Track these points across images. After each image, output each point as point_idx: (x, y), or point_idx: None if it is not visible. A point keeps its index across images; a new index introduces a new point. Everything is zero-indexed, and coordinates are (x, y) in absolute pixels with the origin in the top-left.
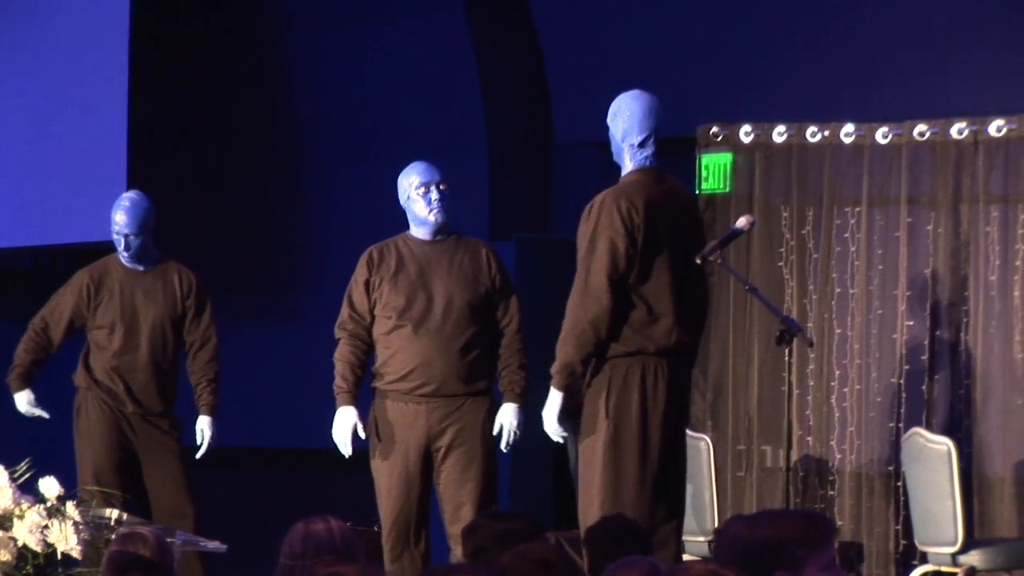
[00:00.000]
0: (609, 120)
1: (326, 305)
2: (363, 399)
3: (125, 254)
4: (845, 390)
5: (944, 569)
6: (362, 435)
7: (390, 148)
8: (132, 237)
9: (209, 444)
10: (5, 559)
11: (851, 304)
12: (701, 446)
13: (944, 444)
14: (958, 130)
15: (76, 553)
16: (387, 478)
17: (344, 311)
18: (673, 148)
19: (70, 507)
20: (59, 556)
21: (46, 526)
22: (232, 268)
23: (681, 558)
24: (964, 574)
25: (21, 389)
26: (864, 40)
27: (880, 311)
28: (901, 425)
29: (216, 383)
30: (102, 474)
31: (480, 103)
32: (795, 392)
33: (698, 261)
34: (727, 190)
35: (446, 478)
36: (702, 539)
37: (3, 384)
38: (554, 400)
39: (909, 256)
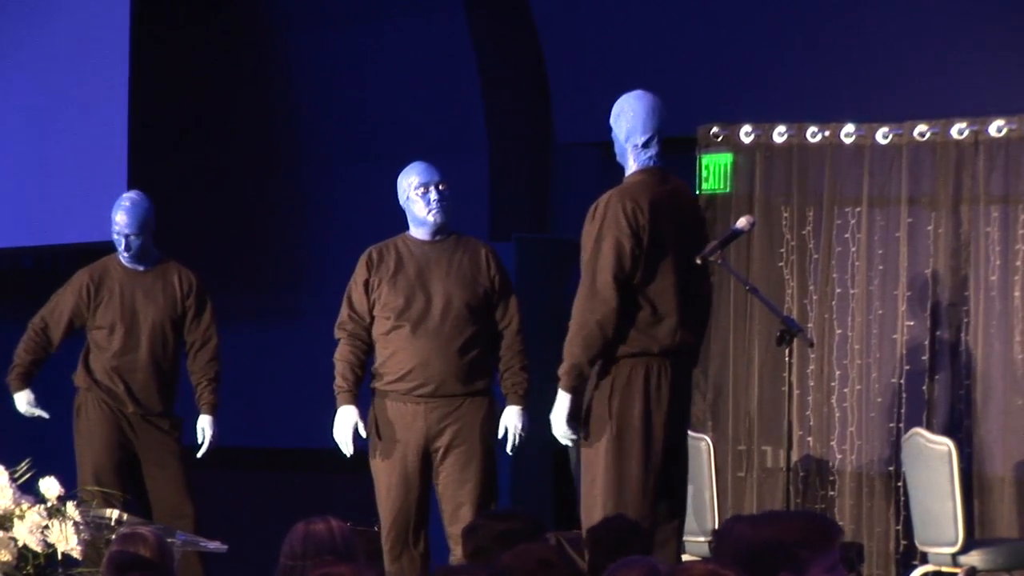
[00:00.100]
0: (612, 121)
1: (326, 305)
2: (363, 399)
3: (125, 254)
4: (845, 390)
5: (944, 569)
6: (363, 434)
7: (390, 148)
8: (133, 237)
9: (210, 443)
10: (5, 559)
11: (851, 304)
12: (701, 446)
13: (944, 444)
14: (958, 130)
15: (76, 553)
16: (386, 478)
17: (344, 311)
18: (673, 148)
19: (70, 507)
20: (59, 556)
21: (46, 526)
22: (232, 268)
23: (681, 558)
24: (964, 574)
25: (21, 389)
26: (864, 40)
27: (880, 311)
28: (901, 425)
29: (217, 382)
30: (102, 474)
31: (480, 103)
32: (795, 392)
33: (698, 261)
34: (727, 190)
35: (445, 478)
36: (702, 539)
37: (3, 384)
38: (563, 403)
39: (909, 256)
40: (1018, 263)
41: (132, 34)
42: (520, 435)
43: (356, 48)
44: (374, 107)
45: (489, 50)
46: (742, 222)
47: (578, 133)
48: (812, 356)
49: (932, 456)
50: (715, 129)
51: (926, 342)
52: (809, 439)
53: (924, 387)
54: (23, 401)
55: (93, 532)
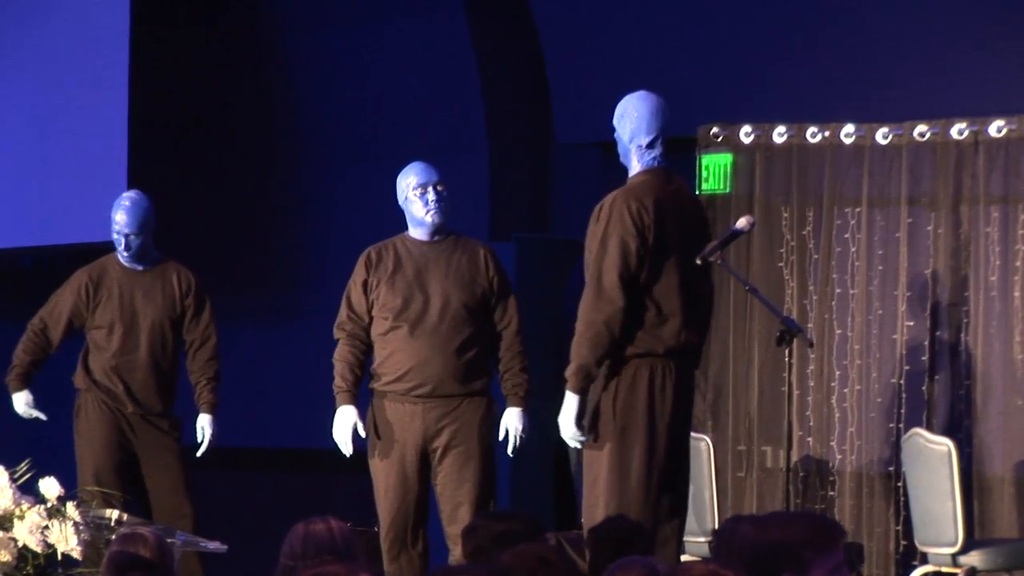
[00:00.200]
0: (616, 121)
1: (326, 305)
2: (363, 399)
3: (125, 254)
4: (845, 391)
5: (944, 570)
6: (362, 434)
7: (390, 148)
8: (132, 237)
9: (210, 442)
10: (5, 559)
11: (851, 304)
12: (701, 446)
13: (944, 444)
14: (958, 131)
15: (76, 553)
16: (384, 478)
17: (343, 311)
18: (673, 148)
19: (70, 508)
20: (59, 556)
21: (46, 527)
22: (232, 268)
23: (680, 558)
24: (964, 574)
25: (20, 389)
26: (864, 41)
27: (880, 311)
28: (901, 426)
29: (216, 381)
30: (102, 475)
31: (480, 103)
32: (795, 393)
33: (698, 262)
34: (727, 191)
35: (443, 478)
36: (702, 539)
37: (2, 384)
38: (571, 404)
39: (909, 256)
40: (1018, 263)
41: (132, 34)
42: (521, 436)
43: (356, 48)
44: (374, 107)
45: (489, 50)
46: (742, 222)
47: (578, 133)
48: (812, 356)
49: (932, 456)
50: (715, 129)
51: (926, 342)
52: (809, 439)
53: (924, 387)
54: (21, 402)
55: (93, 532)
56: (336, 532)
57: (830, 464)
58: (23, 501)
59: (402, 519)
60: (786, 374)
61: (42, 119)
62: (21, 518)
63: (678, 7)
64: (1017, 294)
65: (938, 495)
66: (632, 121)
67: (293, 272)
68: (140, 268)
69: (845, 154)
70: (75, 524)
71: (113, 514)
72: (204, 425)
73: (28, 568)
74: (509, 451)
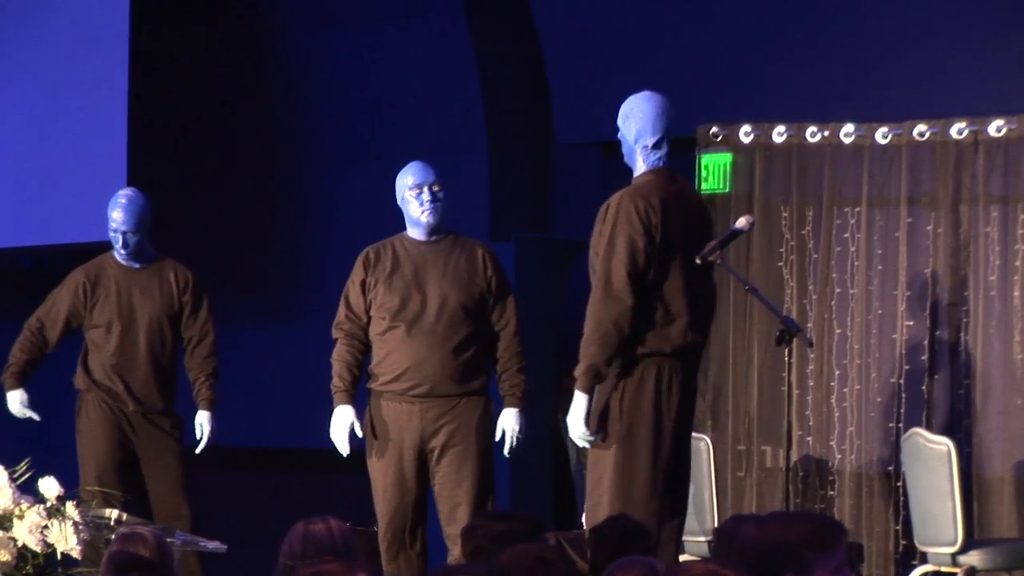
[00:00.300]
0: (620, 122)
1: (326, 305)
2: (361, 399)
3: (123, 252)
4: (845, 390)
5: (944, 569)
6: (359, 434)
7: (390, 148)
8: (130, 234)
9: (208, 439)
10: (5, 559)
11: (851, 304)
12: (701, 446)
13: (944, 444)
14: (958, 130)
15: (76, 553)
16: (382, 478)
17: (341, 311)
18: (673, 148)
19: (70, 507)
20: (59, 556)
21: (46, 526)
22: (232, 268)
23: (679, 557)
24: (964, 574)
25: (15, 388)
26: (864, 40)
27: (880, 311)
28: (901, 425)
29: (215, 378)
30: (104, 475)
31: (480, 103)
32: (795, 392)
33: (698, 261)
34: (727, 190)
35: (442, 478)
36: (702, 539)
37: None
38: (581, 403)
39: (909, 256)
40: (1017, 263)
41: (132, 34)
42: (517, 437)
43: (356, 48)
44: (374, 107)
45: (489, 50)
46: (741, 222)
47: (578, 133)
48: (811, 356)
49: (931, 456)
50: (714, 129)
51: (925, 342)
52: (808, 439)
53: (923, 387)
54: (16, 401)
55: (92, 532)
56: (336, 532)
57: (830, 464)
58: (23, 501)
59: (400, 519)
60: (786, 374)
61: (42, 119)
62: (21, 518)
63: (678, 7)
64: (1017, 294)
65: (938, 495)
66: (638, 122)
67: (293, 272)
68: (137, 266)
69: (845, 154)
70: (74, 524)
71: (113, 514)
72: (203, 422)
73: (28, 568)
74: (505, 452)
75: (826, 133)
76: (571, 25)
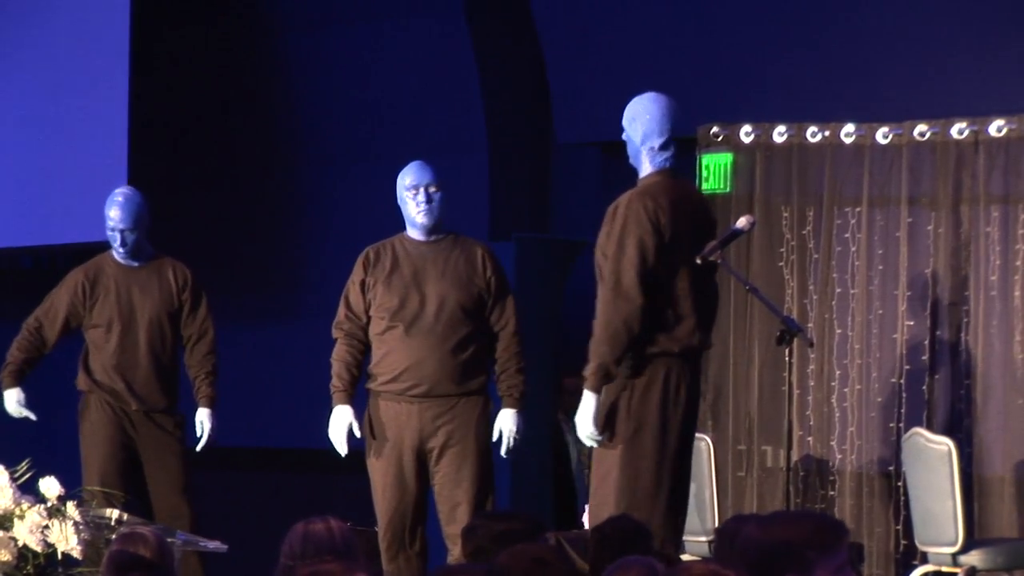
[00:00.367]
0: (627, 123)
1: (326, 305)
2: (360, 398)
3: (121, 250)
4: (845, 390)
5: (944, 569)
6: (357, 434)
7: (390, 148)
8: (127, 232)
9: (209, 437)
10: (5, 559)
11: (851, 304)
12: (701, 446)
13: (944, 444)
14: (958, 130)
15: (76, 553)
16: (382, 478)
17: (340, 311)
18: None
19: (70, 507)
20: (59, 556)
21: (46, 526)
22: (232, 268)
23: (680, 557)
24: (964, 574)
25: (12, 386)
26: (864, 40)
27: (880, 311)
28: (901, 425)
29: (215, 376)
30: (107, 477)
31: (480, 103)
32: (795, 392)
33: (698, 261)
34: (727, 190)
35: (441, 478)
36: (702, 539)
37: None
38: (590, 403)
39: (909, 256)
40: (1018, 263)
41: (132, 34)
42: (514, 438)
43: (356, 48)
44: (374, 107)
45: (489, 50)
46: (742, 222)
47: (578, 133)
48: (812, 356)
49: (932, 456)
50: (715, 129)
51: (926, 342)
52: (809, 439)
53: (924, 387)
54: (12, 399)
55: (93, 532)
56: (336, 532)
57: (830, 464)
58: (23, 501)
59: (399, 519)
60: (786, 374)
61: (42, 119)
62: (21, 518)
63: (678, 7)
64: (1017, 294)
65: (938, 494)
66: (644, 124)
67: (293, 272)
68: (136, 265)
69: (845, 154)
70: (75, 524)
71: (113, 514)
72: (203, 419)
73: (28, 567)
74: (502, 452)
75: (827, 133)
76: (571, 25)
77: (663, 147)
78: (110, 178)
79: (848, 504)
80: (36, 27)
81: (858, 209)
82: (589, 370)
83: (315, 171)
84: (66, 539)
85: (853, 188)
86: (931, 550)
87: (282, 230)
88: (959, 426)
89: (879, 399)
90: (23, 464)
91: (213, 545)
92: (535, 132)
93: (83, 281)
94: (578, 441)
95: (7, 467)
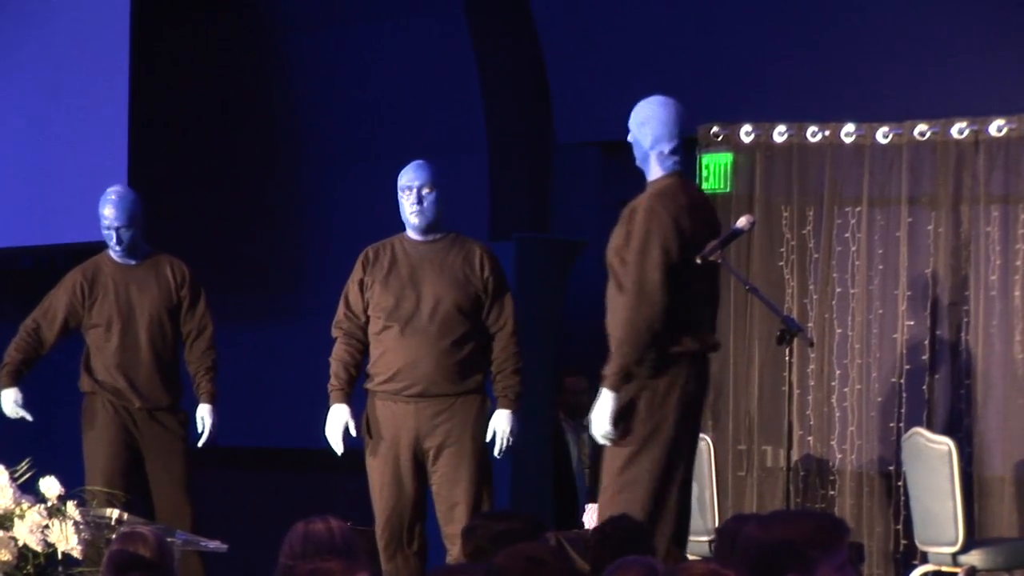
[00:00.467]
0: (636, 126)
1: (326, 305)
2: (359, 398)
3: (117, 248)
4: (846, 390)
5: (944, 569)
6: (353, 433)
7: (390, 148)
8: (123, 230)
9: (210, 432)
10: (6, 559)
11: (852, 304)
12: (702, 446)
13: (944, 444)
14: (959, 130)
15: (77, 553)
16: (380, 477)
17: (340, 310)
18: None
19: (70, 507)
20: (60, 556)
21: (47, 526)
22: (232, 268)
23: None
24: (965, 574)
25: (9, 386)
26: (865, 40)
27: (881, 311)
28: (902, 425)
29: (214, 371)
30: (110, 477)
31: (480, 103)
32: (796, 392)
33: (698, 261)
34: (727, 190)
35: (439, 478)
36: (703, 539)
37: None
38: (609, 403)
39: (910, 256)
40: (1018, 263)
41: (132, 34)
42: (508, 439)
43: (356, 48)
44: (374, 107)
45: (489, 50)
46: (742, 222)
47: (578, 133)
48: (812, 356)
49: (932, 456)
50: (715, 129)
51: (926, 341)
52: (809, 439)
53: (924, 387)
54: (9, 399)
55: (93, 531)
56: (336, 531)
57: (830, 463)
58: (23, 500)
59: (397, 518)
60: (786, 373)
61: (43, 119)
62: (21, 517)
63: (678, 7)
64: (1017, 293)
65: (938, 494)
66: (655, 128)
67: (293, 272)
68: (133, 263)
69: (845, 153)
70: (75, 523)
71: (113, 513)
72: (204, 415)
73: (28, 567)
74: (496, 453)
75: (827, 133)
76: (571, 25)
77: (673, 151)
78: (110, 178)
79: (848, 504)
80: (36, 27)
81: (858, 209)
82: (611, 369)
83: (315, 171)
84: (66, 539)
85: (853, 188)
86: (931, 550)
87: (282, 230)
88: (959, 426)
89: (879, 399)
90: (23, 464)
91: (213, 545)
92: (535, 132)
93: (81, 281)
94: (578, 440)
95: (7, 467)
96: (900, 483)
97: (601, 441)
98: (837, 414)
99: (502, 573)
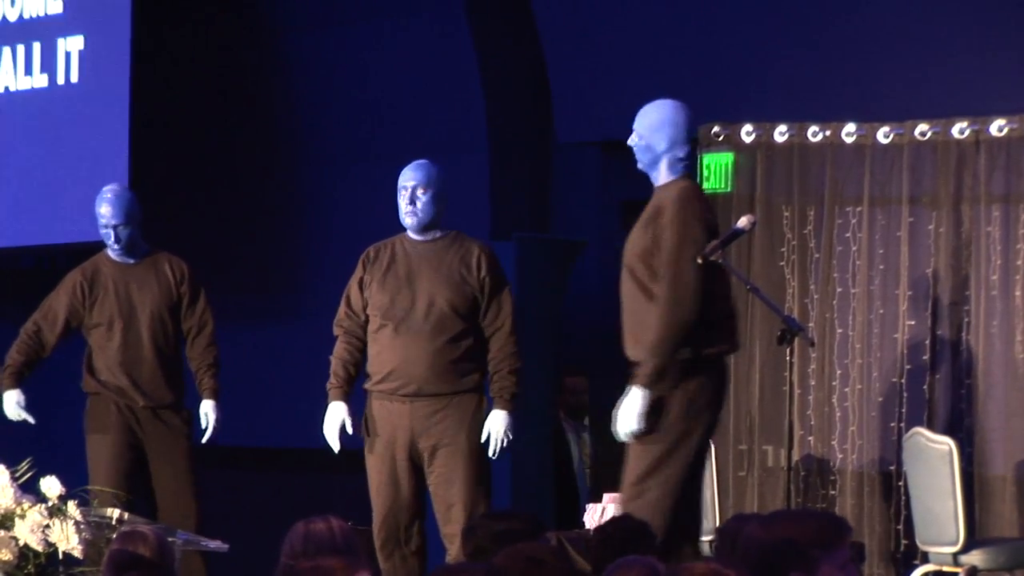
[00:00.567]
0: (650, 130)
1: (326, 305)
2: (358, 396)
3: (116, 247)
4: (846, 390)
5: (945, 569)
6: (349, 431)
7: (390, 148)
8: (121, 228)
9: (214, 428)
10: (7, 558)
11: (852, 304)
12: None
13: (945, 444)
14: (959, 130)
15: (77, 552)
16: (377, 476)
17: (341, 308)
18: None
19: (71, 507)
20: (60, 555)
21: (47, 525)
22: (232, 268)
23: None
24: (965, 574)
25: (12, 388)
26: (865, 40)
27: (881, 311)
28: (902, 425)
29: (217, 367)
30: (114, 477)
31: (481, 103)
32: (796, 392)
33: (699, 261)
34: (728, 190)
35: (435, 479)
36: (704, 538)
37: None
38: (642, 400)
39: (910, 256)
40: (1019, 262)
41: (133, 34)
42: (503, 440)
43: (356, 48)
44: (374, 107)
45: (490, 49)
46: (743, 222)
47: (579, 133)
48: (813, 355)
49: (933, 455)
50: (716, 128)
51: (927, 341)
52: (810, 438)
53: (925, 386)
54: (12, 401)
55: (94, 531)
56: (337, 531)
57: (831, 463)
58: (24, 500)
59: (393, 518)
60: (787, 373)
61: (44, 118)
62: (22, 517)
63: (679, 7)
64: (1018, 293)
65: (939, 494)
66: (672, 132)
67: (293, 272)
68: (132, 261)
69: (846, 153)
70: (76, 523)
71: (114, 513)
72: (208, 411)
73: (29, 567)
74: (491, 454)
75: (828, 132)
76: (572, 24)
77: (687, 154)
78: (111, 178)
79: (849, 504)
80: (36, 27)
81: (859, 209)
82: (647, 369)
83: (315, 171)
84: (67, 538)
85: (854, 188)
86: (932, 550)
87: (282, 230)
88: (960, 425)
89: (880, 399)
90: (24, 464)
91: (214, 544)
92: (536, 132)
93: (81, 281)
94: (580, 440)
95: (8, 466)
96: (901, 483)
97: (624, 439)
98: (838, 414)
99: (502, 573)
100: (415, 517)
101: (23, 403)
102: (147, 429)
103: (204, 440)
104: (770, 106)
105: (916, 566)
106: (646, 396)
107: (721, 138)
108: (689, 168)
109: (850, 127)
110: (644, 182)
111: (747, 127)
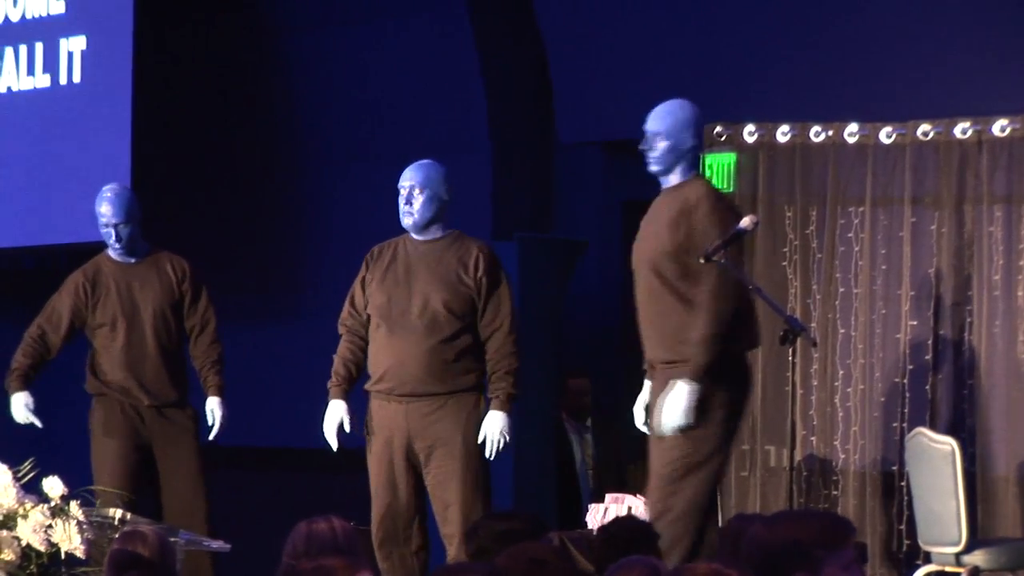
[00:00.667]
0: (677, 129)
1: (327, 305)
2: (358, 395)
3: (116, 246)
4: (849, 390)
5: (948, 569)
6: (347, 429)
7: (391, 148)
8: (121, 226)
9: (221, 425)
10: (9, 558)
11: (855, 304)
12: None
13: (948, 444)
14: (962, 130)
15: (80, 552)
16: (376, 476)
17: (345, 307)
18: None
19: (74, 507)
20: (63, 555)
21: (50, 526)
22: (232, 268)
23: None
24: (968, 574)
25: (20, 390)
26: (868, 40)
27: (884, 311)
28: (905, 425)
29: (221, 364)
30: (119, 478)
31: (483, 103)
32: (799, 392)
33: (701, 261)
34: (731, 190)
35: (432, 479)
36: None
37: (3, 385)
38: (691, 395)
39: (913, 256)
40: (1021, 262)
41: (135, 34)
42: (499, 442)
43: (357, 48)
44: (375, 107)
45: (492, 49)
46: (745, 222)
47: (581, 133)
48: (815, 356)
49: (935, 455)
50: (718, 129)
51: (929, 341)
52: (812, 439)
53: (927, 386)
54: (20, 403)
55: (96, 531)
56: (339, 531)
57: (833, 463)
58: (27, 500)
59: (390, 519)
60: (789, 373)
61: (45, 119)
62: (25, 517)
63: (681, 7)
64: (1021, 293)
65: (941, 494)
66: (695, 130)
67: (293, 272)
68: (133, 261)
69: (848, 153)
70: (78, 523)
71: (117, 513)
72: (214, 408)
73: (32, 567)
74: (487, 455)
75: (830, 133)
76: (574, 25)
77: (701, 155)
78: (114, 178)
79: (851, 504)
80: (38, 27)
81: (861, 209)
82: (698, 363)
83: (315, 171)
84: (69, 538)
85: (856, 188)
86: (934, 550)
87: (282, 230)
88: (962, 426)
89: (882, 399)
90: (26, 464)
91: (216, 544)
92: (537, 132)
93: (83, 282)
94: (582, 441)
95: (11, 466)
96: (903, 483)
97: (668, 432)
98: (840, 414)
99: (504, 573)
100: (414, 517)
101: (32, 406)
102: (153, 429)
103: (211, 437)
104: (772, 106)
105: (918, 566)
106: (695, 391)
107: (723, 138)
108: (698, 167)
109: (852, 127)
110: (645, 182)
111: (749, 127)
